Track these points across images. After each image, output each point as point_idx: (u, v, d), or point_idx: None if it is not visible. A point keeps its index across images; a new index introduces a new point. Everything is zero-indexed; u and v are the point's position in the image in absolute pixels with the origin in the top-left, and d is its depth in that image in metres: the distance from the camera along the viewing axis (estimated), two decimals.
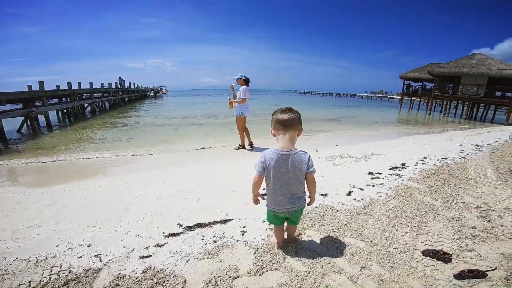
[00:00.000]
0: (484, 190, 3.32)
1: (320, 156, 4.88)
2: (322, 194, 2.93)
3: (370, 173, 3.82)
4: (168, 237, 1.95)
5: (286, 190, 1.62)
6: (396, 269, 1.67)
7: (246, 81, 5.15)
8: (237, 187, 3.11)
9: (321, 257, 1.74)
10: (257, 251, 1.78)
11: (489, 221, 2.42)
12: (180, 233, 2.01)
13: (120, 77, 24.99)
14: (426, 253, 1.81)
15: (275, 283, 1.49)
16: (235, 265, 1.62)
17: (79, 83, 15.09)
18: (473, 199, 2.99)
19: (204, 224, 2.17)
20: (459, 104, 23.45)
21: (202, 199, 2.73)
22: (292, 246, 1.87)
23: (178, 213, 2.39)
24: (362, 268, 1.66)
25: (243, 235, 2.02)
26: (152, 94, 40.06)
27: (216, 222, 2.20)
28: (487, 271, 1.60)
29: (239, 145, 5.60)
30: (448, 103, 22.59)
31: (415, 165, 4.42)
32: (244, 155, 5.24)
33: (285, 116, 1.53)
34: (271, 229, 2.11)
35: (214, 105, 23.23)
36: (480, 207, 2.75)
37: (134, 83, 30.47)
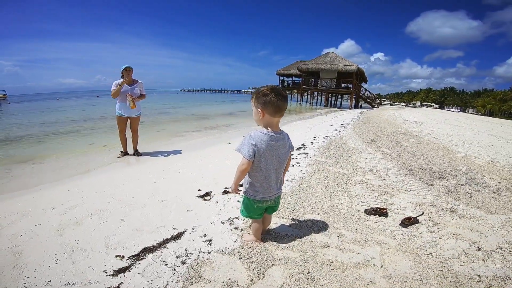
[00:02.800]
0: (365, 156, 4.42)
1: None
2: None
3: None
4: (116, 275, 1.47)
5: (275, 174, 1.60)
6: (360, 229, 2.02)
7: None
8: (163, 195, 2.71)
9: (301, 238, 1.84)
10: (240, 255, 1.64)
11: (384, 179, 3.26)
12: (129, 266, 1.55)
13: None
14: (368, 212, 2.27)
15: (284, 278, 1.45)
16: (230, 279, 1.43)
17: None
18: (364, 164, 3.91)
19: (153, 247, 1.77)
20: (318, 95, 29.64)
21: (126, 219, 2.20)
22: (269, 236, 1.87)
23: (106, 243, 1.83)
24: (338, 237, 1.89)
25: (210, 244, 1.80)
26: None
27: (167, 240, 1.85)
28: (418, 216, 2.19)
29: (123, 151, 4.69)
30: (312, 94, 28.12)
31: (311, 143, 5.32)
32: (142, 160, 4.51)
33: (285, 104, 1.49)
34: (235, 228, 1.99)
35: (86, 108, 18.89)
36: (372, 170, 3.64)
37: None
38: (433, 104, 56.10)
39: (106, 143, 6.10)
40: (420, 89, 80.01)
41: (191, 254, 1.68)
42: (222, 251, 1.71)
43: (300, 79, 27.39)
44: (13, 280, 1.46)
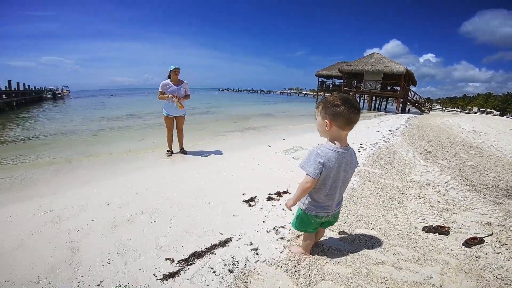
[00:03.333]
0: (420, 168, 4.02)
1: (277, 151, 4.93)
2: None
3: None
4: (166, 280, 1.49)
5: (338, 191, 1.49)
6: (418, 247, 1.84)
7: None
8: (210, 197, 2.74)
9: (353, 254, 1.72)
10: (288, 267, 1.57)
11: (443, 195, 2.92)
12: (178, 271, 1.56)
13: None
14: (427, 230, 2.04)
15: None
16: None
17: None
18: (419, 177, 3.56)
19: (201, 252, 1.77)
20: (361, 97, 28.19)
21: (175, 219, 2.25)
22: (318, 249, 1.76)
23: (156, 244, 1.88)
24: (394, 254, 1.74)
25: (256, 253, 1.75)
26: (50, 95, 32.31)
27: (215, 246, 1.84)
28: (485, 236, 1.93)
29: (169, 150, 4.79)
30: (354, 97, 26.65)
31: (358, 151, 4.98)
32: (188, 159, 4.64)
33: (357, 116, 1.34)
34: (281, 238, 1.92)
35: (136, 105, 20.48)
36: (429, 184, 3.28)
37: (23, 84, 23.69)
38: (493, 110, 49.36)
39: (155, 140, 6.51)
40: (478, 94, 71.39)
41: (238, 262, 1.64)
42: (268, 261, 1.65)
43: (341, 80, 26.32)
44: (68, 278, 1.53)
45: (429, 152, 5.30)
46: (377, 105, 25.95)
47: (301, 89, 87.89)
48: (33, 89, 28.22)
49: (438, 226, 2.04)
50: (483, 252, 1.81)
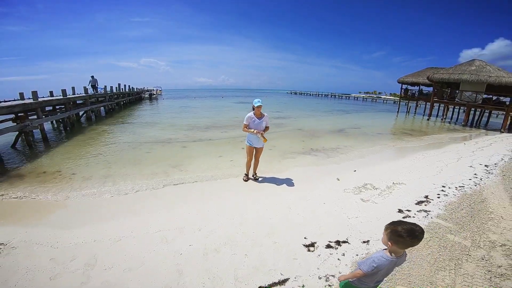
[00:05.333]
0: (505, 225, 3.75)
1: (345, 188, 5.11)
2: (364, 242, 3.16)
3: (400, 210, 4.12)
4: None
5: (383, 278, 1.92)
6: None
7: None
8: (276, 236, 3.31)
9: None
10: None
11: None
12: None
13: (92, 77, 19.34)
14: None
15: None
16: None
17: (73, 88, 15.00)
18: (497, 236, 3.40)
19: (265, 287, 2.35)
20: (455, 109, 24.53)
21: (249, 255, 2.92)
22: None
23: (234, 275, 2.57)
24: None
25: None
26: (147, 96, 39.86)
27: (275, 284, 2.44)
28: None
29: (247, 174, 5.62)
30: (446, 108, 23.57)
31: (438, 197, 4.77)
32: (260, 187, 5.26)
33: (417, 243, 1.67)
34: (329, 285, 2.39)
35: (214, 111, 23.30)
36: (505, 245, 3.18)
37: (128, 86, 30.01)
38: None
39: (231, 158, 7.54)
40: None
41: None
42: None
43: (430, 88, 23.42)
44: None
45: None
46: (475, 119, 22.15)
47: (379, 92, 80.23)
48: (136, 89, 34.83)
49: None
50: None
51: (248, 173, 5.62)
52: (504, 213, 4.15)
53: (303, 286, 2.39)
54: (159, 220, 3.74)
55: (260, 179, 5.61)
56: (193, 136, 10.95)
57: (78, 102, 15.64)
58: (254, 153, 5.38)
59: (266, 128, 5.20)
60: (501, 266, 2.73)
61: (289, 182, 5.55)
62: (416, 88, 28.54)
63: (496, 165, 7.54)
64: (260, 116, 5.09)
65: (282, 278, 2.51)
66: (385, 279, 2.41)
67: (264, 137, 5.01)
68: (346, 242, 3.17)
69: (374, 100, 59.85)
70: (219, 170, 6.44)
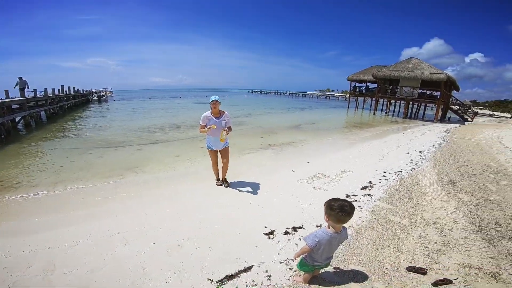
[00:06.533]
0: (436, 204, 4.38)
1: (300, 178, 5.52)
2: (317, 226, 3.52)
3: (347, 196, 4.61)
4: None
5: (328, 255, 2.24)
6: (394, 284, 2.41)
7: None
8: (239, 227, 3.50)
9: (339, 286, 2.37)
10: None
11: (444, 235, 3.37)
12: None
13: (20, 78, 16.23)
14: (409, 269, 2.61)
15: None
16: None
17: (6, 91, 13.21)
18: (430, 215, 3.98)
19: (232, 275, 2.56)
20: (396, 103, 27.51)
21: (214, 247, 3.05)
22: (315, 280, 2.44)
23: (201, 267, 2.69)
24: None
25: (269, 279, 2.49)
26: (96, 98, 36.66)
27: (241, 271, 2.61)
28: (453, 280, 2.44)
29: (218, 179, 5.22)
30: (389, 102, 26.27)
31: (380, 182, 5.41)
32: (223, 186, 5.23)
33: (347, 218, 2.01)
34: (290, 268, 2.64)
35: (171, 112, 22.56)
36: (437, 223, 3.73)
37: (73, 88, 27.15)
38: None
39: (189, 157, 7.51)
40: None
41: (256, 285, 2.41)
42: (277, 286, 2.38)
43: (375, 85, 25.91)
44: None
45: (454, 183, 5.44)
46: (413, 111, 25.11)
47: (332, 90, 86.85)
48: (82, 91, 31.88)
49: (418, 267, 2.61)
50: None
51: (217, 177, 5.20)
52: (434, 194, 4.85)
53: (266, 271, 2.59)
54: (117, 223, 3.67)
55: (229, 185, 5.05)
56: (148, 138, 10.55)
57: (13, 106, 13.83)
58: (219, 156, 4.92)
59: (229, 128, 4.68)
60: (436, 242, 3.16)
61: (248, 177, 5.74)
62: (364, 85, 31.24)
63: (428, 151, 8.75)
64: (218, 115, 4.60)
65: (247, 265, 2.69)
66: (339, 258, 2.76)
67: (223, 135, 4.49)
68: (302, 227, 3.48)
69: (328, 97, 64.77)
70: (177, 170, 6.42)
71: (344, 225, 2.14)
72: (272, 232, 3.35)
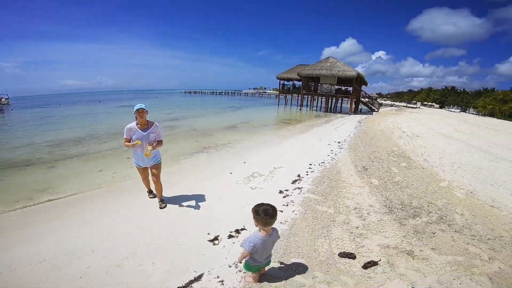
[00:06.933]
0: (353, 190, 5.02)
1: (237, 180, 5.67)
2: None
3: (280, 191, 4.98)
4: None
5: (266, 255, 2.49)
6: (331, 271, 2.78)
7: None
8: (181, 238, 3.46)
9: (285, 280, 2.63)
10: None
11: (364, 219, 3.88)
12: None
13: None
14: (341, 255, 3.02)
15: None
16: None
17: None
18: (350, 201, 4.50)
19: (183, 287, 2.58)
20: (318, 99, 30.75)
21: (157, 262, 2.97)
22: (263, 277, 2.67)
23: (147, 283, 2.63)
24: (313, 278, 2.68)
25: (222, 284, 2.61)
26: None
27: (192, 281, 2.65)
28: (378, 261, 2.92)
29: (150, 191, 4.79)
30: (313, 98, 29.07)
31: (307, 174, 5.98)
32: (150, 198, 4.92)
33: (272, 221, 2.30)
34: (239, 271, 2.80)
35: (88, 120, 19.77)
36: (356, 208, 4.25)
37: None
38: (433, 104, 57.89)
39: (114, 171, 6.89)
40: (421, 89, 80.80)
41: None
42: None
43: (301, 82, 28.24)
44: None
45: (366, 169, 6.29)
46: (333, 105, 28.45)
47: (264, 88, 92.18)
48: None
49: (348, 252, 3.04)
50: (374, 273, 2.63)
51: (149, 189, 4.74)
52: (352, 180, 5.50)
53: (218, 276, 2.68)
54: (40, 249, 3.23)
55: (166, 206, 4.41)
56: (62, 153, 9.11)
57: None
58: (149, 173, 4.39)
59: (158, 142, 4.10)
60: (358, 227, 3.47)
61: (185, 184, 5.55)
62: (291, 83, 33.66)
63: (345, 141, 10.03)
64: (145, 127, 4.01)
65: (197, 274, 2.74)
66: (280, 254, 3.03)
67: (149, 150, 3.84)
68: (244, 229, 3.65)
69: (261, 95, 67.93)
70: (101, 186, 5.83)
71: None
72: (216, 238, 3.44)
